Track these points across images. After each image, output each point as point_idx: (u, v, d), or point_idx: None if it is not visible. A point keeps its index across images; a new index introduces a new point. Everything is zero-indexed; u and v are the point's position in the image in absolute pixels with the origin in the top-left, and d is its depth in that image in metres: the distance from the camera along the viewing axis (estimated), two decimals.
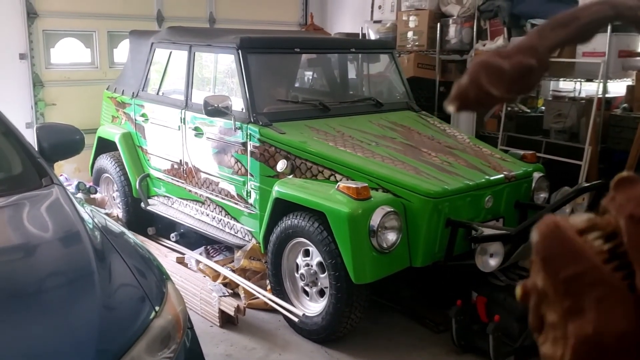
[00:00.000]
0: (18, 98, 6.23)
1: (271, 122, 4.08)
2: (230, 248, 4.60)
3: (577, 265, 0.39)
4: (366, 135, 4.12)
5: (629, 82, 5.30)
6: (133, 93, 5.23)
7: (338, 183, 3.48)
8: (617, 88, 5.50)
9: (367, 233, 3.27)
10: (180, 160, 4.78)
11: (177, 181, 4.87)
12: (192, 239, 5.01)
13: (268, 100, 4.40)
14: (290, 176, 3.87)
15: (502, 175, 3.78)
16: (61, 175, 6.13)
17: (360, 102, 4.79)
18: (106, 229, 2.33)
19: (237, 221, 4.35)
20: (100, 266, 1.99)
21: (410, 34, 6.57)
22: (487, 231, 3.35)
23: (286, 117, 4.21)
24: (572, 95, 5.98)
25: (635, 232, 0.39)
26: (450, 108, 0.49)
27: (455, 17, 6.27)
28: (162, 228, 5.27)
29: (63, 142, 2.91)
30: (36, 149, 2.79)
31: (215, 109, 4.02)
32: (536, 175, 4.01)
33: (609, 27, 4.92)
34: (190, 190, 4.76)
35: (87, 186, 5.58)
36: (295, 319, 3.71)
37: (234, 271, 4.27)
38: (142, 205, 5.14)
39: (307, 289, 3.75)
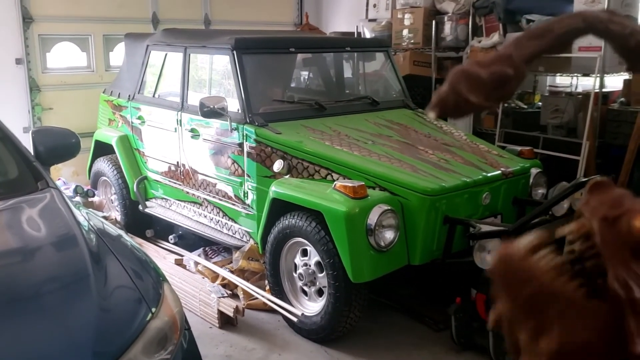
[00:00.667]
0: (15, 103, 6.23)
1: (267, 122, 4.08)
2: (228, 249, 4.60)
3: (530, 286, 0.41)
4: (363, 134, 4.12)
5: (625, 76, 5.30)
6: (129, 96, 5.23)
7: (335, 182, 3.48)
8: (614, 82, 5.50)
9: (365, 232, 3.27)
10: (177, 162, 4.78)
11: (175, 183, 4.86)
12: (191, 240, 5.01)
13: (264, 101, 4.40)
14: (287, 176, 3.87)
15: (499, 172, 3.78)
16: (59, 179, 6.14)
17: (357, 100, 4.78)
18: (102, 231, 2.33)
19: (235, 222, 4.35)
20: (96, 269, 1.99)
21: (405, 32, 6.56)
22: (485, 228, 3.34)
23: (282, 117, 4.21)
24: (569, 90, 5.98)
25: (608, 233, 0.40)
26: (430, 114, 0.50)
27: (450, 14, 6.26)
28: (160, 230, 5.27)
29: (59, 146, 2.91)
30: (32, 153, 2.79)
31: (211, 110, 4.02)
32: (534, 171, 4.01)
33: None
34: (187, 192, 4.76)
35: (85, 189, 5.58)
36: (294, 319, 3.71)
37: (232, 272, 4.27)
38: (140, 207, 5.14)
39: (305, 288, 3.75)
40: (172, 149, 4.78)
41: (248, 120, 4.08)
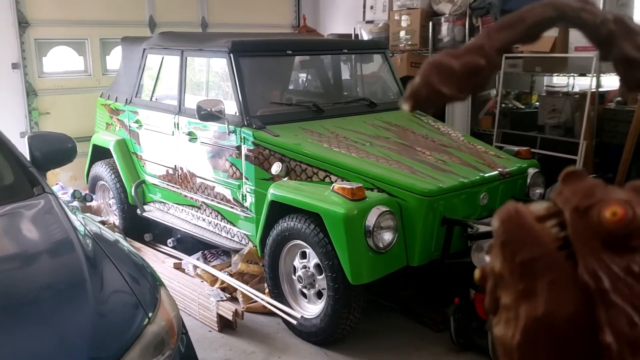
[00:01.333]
0: (12, 107, 6.22)
1: (265, 125, 4.07)
2: (227, 252, 4.59)
3: (533, 250, 0.41)
4: (360, 136, 4.11)
5: None
6: (126, 100, 5.22)
7: (333, 184, 3.48)
8: (611, 82, 5.50)
9: (363, 233, 3.27)
10: (175, 166, 4.77)
11: (173, 187, 4.86)
12: (189, 244, 5.00)
13: (261, 103, 4.39)
14: (285, 178, 3.86)
15: (496, 172, 3.78)
16: (57, 183, 6.13)
17: (354, 102, 4.78)
18: (99, 236, 2.32)
19: (234, 225, 4.34)
20: (93, 274, 1.99)
21: (402, 34, 6.57)
22: (483, 228, 3.34)
23: (280, 119, 4.21)
24: (566, 90, 5.98)
25: (579, 223, 0.41)
26: (404, 107, 0.50)
27: (447, 15, 6.27)
28: (158, 234, 5.26)
29: (55, 151, 2.91)
30: (28, 158, 2.79)
31: (208, 114, 4.02)
32: (531, 171, 4.00)
33: None
34: (185, 196, 4.75)
35: (83, 194, 5.57)
36: (294, 322, 3.70)
37: (231, 275, 4.26)
38: (138, 211, 5.13)
39: (304, 291, 3.75)
40: (170, 153, 4.78)
41: (246, 123, 4.07)
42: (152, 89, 5.02)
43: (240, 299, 4.11)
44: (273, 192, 3.72)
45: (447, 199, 3.47)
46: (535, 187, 4.02)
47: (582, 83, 5.72)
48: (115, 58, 6.62)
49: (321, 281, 3.58)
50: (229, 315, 3.80)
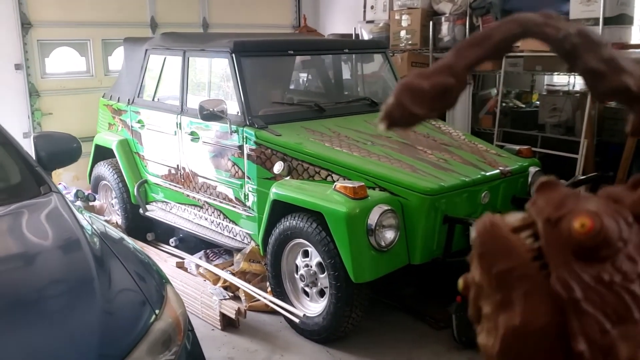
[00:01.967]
0: (15, 108, 6.25)
1: (267, 124, 4.10)
2: (229, 251, 4.61)
3: (508, 261, 0.42)
4: (362, 135, 4.14)
5: None
6: (129, 100, 5.25)
7: (335, 183, 3.50)
8: None
9: (365, 232, 3.29)
10: (178, 166, 4.79)
11: (175, 186, 4.88)
12: (192, 243, 5.03)
13: (263, 103, 4.42)
14: (287, 178, 3.89)
15: (497, 171, 3.80)
16: (60, 183, 6.14)
17: (355, 102, 4.81)
18: (105, 235, 2.35)
19: (236, 224, 4.37)
20: (100, 272, 2.01)
21: (403, 33, 6.59)
22: None
23: (282, 119, 4.23)
24: (567, 89, 6.00)
25: (551, 234, 0.42)
26: (380, 127, 0.52)
27: (447, 15, 6.29)
28: (161, 233, 5.29)
29: (60, 151, 2.93)
30: (34, 158, 2.81)
31: (210, 113, 4.04)
32: (532, 169, 4.02)
33: (601, 20, 4.96)
34: (188, 195, 4.78)
35: (86, 194, 5.59)
36: (296, 320, 3.73)
37: (234, 274, 4.28)
38: (141, 211, 5.16)
39: (307, 289, 3.77)
40: (172, 152, 4.80)
41: (248, 123, 4.10)
42: (155, 89, 5.04)
43: (243, 298, 4.13)
44: (275, 191, 3.75)
45: (449, 198, 3.49)
46: None
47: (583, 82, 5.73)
48: (117, 59, 6.64)
49: (323, 280, 3.60)
50: (232, 314, 3.82)
